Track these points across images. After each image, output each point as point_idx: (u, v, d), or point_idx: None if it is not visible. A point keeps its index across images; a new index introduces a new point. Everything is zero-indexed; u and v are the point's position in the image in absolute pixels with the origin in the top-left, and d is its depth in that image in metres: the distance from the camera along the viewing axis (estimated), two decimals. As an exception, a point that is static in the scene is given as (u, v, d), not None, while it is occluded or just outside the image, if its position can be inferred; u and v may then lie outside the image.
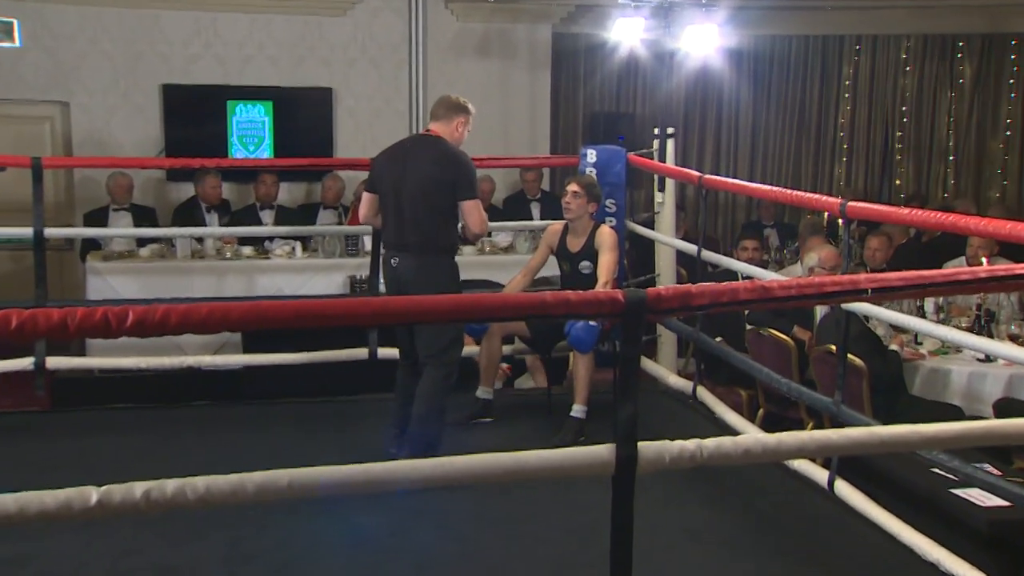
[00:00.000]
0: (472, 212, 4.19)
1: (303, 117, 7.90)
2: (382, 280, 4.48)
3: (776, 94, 9.60)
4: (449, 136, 4.28)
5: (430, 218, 4.18)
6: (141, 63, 7.70)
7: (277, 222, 7.13)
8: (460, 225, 4.25)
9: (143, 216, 7.10)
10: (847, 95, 9.68)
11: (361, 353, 4.92)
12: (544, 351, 5.09)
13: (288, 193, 7.79)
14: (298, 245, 6.73)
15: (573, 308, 1.97)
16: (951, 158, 9.75)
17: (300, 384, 5.22)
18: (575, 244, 5.02)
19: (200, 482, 1.84)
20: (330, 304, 1.85)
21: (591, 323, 4.34)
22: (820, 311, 5.21)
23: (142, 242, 6.66)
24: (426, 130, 4.34)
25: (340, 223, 7.30)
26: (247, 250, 6.67)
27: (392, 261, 4.23)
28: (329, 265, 6.58)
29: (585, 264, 4.99)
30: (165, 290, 6.12)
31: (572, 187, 4.96)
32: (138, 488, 1.81)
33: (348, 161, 6.00)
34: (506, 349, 5.02)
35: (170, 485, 1.83)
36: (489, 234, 6.84)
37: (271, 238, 6.83)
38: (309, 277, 6.56)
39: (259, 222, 7.13)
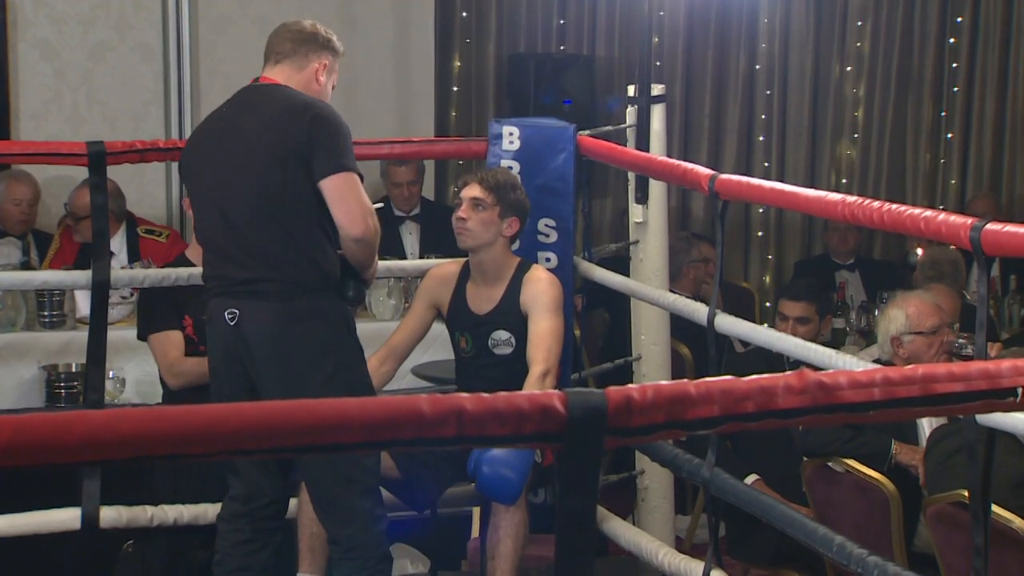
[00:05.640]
0: (345, 196, 4.32)
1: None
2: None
3: (858, 21, 9.86)
4: (304, 88, 4.53)
5: (282, 227, 4.35)
6: None
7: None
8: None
9: None
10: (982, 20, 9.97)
11: (67, 519, 4.89)
12: (423, 505, 5.12)
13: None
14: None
15: (472, 426, 2.00)
16: None
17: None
18: (483, 299, 5.12)
19: None
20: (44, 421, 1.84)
21: (519, 449, 4.42)
22: (928, 421, 5.34)
23: None
24: (256, 79, 4.57)
25: (30, 264, 7.22)
26: None
27: (227, 316, 4.38)
28: (4, 346, 6.50)
29: (502, 337, 5.06)
30: None
31: (472, 191, 5.05)
32: None
33: (44, 147, 5.97)
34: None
35: None
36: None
37: None
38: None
39: None
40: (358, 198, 4.36)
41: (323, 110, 4.40)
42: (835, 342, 7.12)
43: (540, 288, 5.04)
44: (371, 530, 4.47)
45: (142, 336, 5.58)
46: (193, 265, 5.28)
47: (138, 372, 6.32)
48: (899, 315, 5.37)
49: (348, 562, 4.47)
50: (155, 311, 5.51)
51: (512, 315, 5.07)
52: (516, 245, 5.29)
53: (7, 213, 7.38)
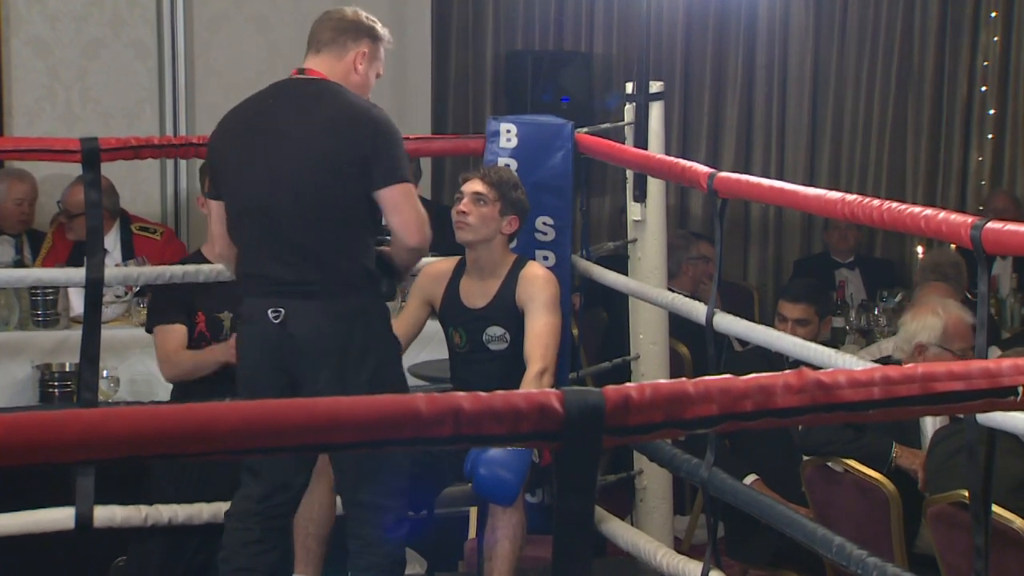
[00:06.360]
0: (402, 207, 4.40)
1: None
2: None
3: (858, 19, 9.87)
4: (343, 79, 4.53)
5: (332, 231, 4.39)
6: None
7: None
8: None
9: None
10: (994, 14, 9.96)
11: (60, 519, 4.89)
12: (419, 505, 5.12)
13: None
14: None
15: (469, 425, 2.00)
16: None
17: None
18: (479, 294, 5.13)
19: None
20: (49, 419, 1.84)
21: (515, 448, 4.43)
22: (931, 423, 5.34)
23: None
24: (299, 71, 4.56)
25: (23, 262, 7.22)
26: None
27: (271, 314, 4.40)
28: (-1, 345, 6.51)
29: (497, 332, 5.07)
30: None
31: (474, 185, 5.07)
32: None
33: (37, 143, 5.97)
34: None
35: None
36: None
37: None
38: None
39: None
40: (414, 208, 4.44)
41: (382, 120, 4.44)
42: (835, 341, 7.12)
43: (537, 285, 5.05)
44: (393, 531, 4.52)
45: (149, 329, 5.61)
46: (207, 262, 5.29)
47: (132, 371, 6.33)
48: (936, 325, 5.25)
49: (365, 558, 4.51)
50: (160, 306, 5.54)
51: (507, 311, 5.08)
52: (514, 244, 5.30)
53: (8, 212, 7.38)
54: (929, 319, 5.30)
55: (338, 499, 4.92)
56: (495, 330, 5.06)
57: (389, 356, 4.55)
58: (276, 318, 4.38)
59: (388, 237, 4.59)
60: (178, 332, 5.40)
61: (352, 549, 4.58)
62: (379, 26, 4.64)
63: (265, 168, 4.41)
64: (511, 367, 5.01)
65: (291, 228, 4.39)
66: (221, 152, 4.59)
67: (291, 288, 4.39)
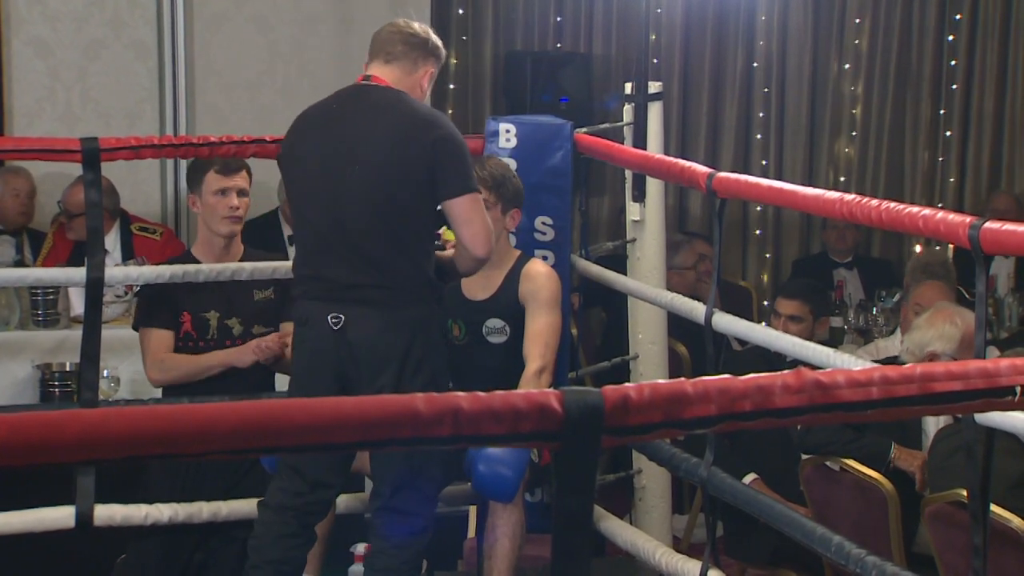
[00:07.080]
0: (472, 219, 4.44)
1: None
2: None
3: (858, 19, 9.87)
4: (408, 92, 4.57)
5: (398, 237, 4.42)
6: None
7: None
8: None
9: None
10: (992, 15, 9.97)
11: (61, 518, 4.89)
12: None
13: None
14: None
15: (469, 425, 2.00)
16: None
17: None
18: (480, 286, 5.13)
19: None
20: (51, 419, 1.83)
21: (514, 448, 4.44)
22: (933, 424, 5.34)
23: None
24: (365, 77, 4.59)
25: (23, 262, 7.23)
26: None
27: (330, 320, 4.41)
28: (-1, 344, 6.51)
29: (497, 325, 5.07)
30: None
31: (473, 181, 5.08)
32: None
33: (38, 143, 5.97)
34: (346, 501, 5.03)
35: None
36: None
37: None
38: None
39: None
40: (483, 219, 4.47)
41: (447, 128, 4.48)
42: (833, 341, 7.11)
43: (539, 282, 5.06)
44: (417, 537, 4.54)
45: (135, 327, 5.58)
46: (199, 262, 5.27)
47: (132, 370, 6.32)
48: (954, 335, 5.24)
49: (384, 559, 4.53)
50: (150, 307, 5.46)
51: (508, 305, 5.09)
52: (513, 243, 5.30)
53: (8, 206, 7.40)
54: (947, 328, 5.27)
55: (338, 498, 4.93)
56: (495, 322, 5.07)
57: (441, 366, 4.57)
58: (336, 324, 4.39)
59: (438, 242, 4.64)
60: (163, 337, 5.31)
61: (374, 548, 4.59)
62: (441, 44, 4.69)
63: (334, 173, 4.43)
64: (510, 361, 5.02)
65: (359, 234, 4.41)
66: (289, 158, 4.62)
67: (353, 293, 4.40)
